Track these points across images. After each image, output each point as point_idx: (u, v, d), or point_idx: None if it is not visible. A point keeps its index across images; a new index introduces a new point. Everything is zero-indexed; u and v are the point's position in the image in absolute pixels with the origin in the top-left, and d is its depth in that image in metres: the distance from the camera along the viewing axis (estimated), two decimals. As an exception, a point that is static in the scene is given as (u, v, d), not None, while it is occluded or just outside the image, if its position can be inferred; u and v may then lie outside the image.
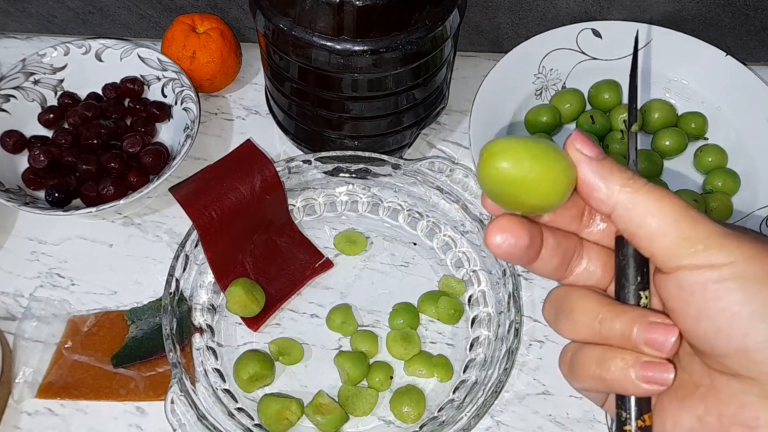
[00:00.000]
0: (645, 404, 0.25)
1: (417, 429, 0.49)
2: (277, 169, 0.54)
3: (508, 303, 0.50)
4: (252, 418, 0.50)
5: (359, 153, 0.56)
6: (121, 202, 0.56)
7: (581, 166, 0.25)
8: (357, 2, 0.46)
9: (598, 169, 0.25)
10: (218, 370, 0.52)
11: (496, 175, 0.24)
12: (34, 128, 0.63)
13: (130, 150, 0.61)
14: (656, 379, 0.24)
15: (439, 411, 0.50)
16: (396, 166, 0.56)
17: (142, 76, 0.65)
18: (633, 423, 0.25)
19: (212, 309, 0.55)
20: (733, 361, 0.23)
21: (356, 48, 0.49)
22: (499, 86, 0.63)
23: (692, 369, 0.26)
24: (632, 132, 0.28)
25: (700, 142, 0.63)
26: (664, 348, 0.24)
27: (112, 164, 0.60)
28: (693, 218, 0.24)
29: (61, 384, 0.52)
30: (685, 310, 0.24)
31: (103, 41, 0.65)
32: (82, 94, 0.65)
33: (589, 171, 0.25)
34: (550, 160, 0.25)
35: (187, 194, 0.52)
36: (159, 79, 0.65)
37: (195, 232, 0.52)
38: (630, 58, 0.66)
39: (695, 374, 0.25)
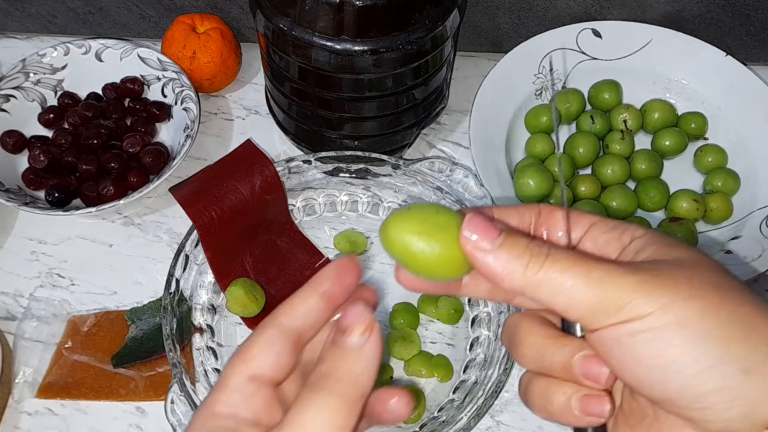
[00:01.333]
0: (601, 428, 0.26)
1: (417, 429, 0.49)
2: (277, 169, 0.54)
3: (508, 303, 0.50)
4: (252, 418, 0.50)
5: (359, 153, 0.56)
6: (121, 202, 0.56)
7: (475, 262, 0.25)
8: (357, 2, 0.46)
9: (494, 262, 0.24)
10: (218, 370, 0.51)
11: (395, 249, 0.25)
12: (34, 128, 0.63)
13: (130, 150, 0.61)
14: (594, 411, 0.25)
15: (439, 411, 0.50)
16: (396, 166, 0.56)
17: (142, 76, 0.65)
18: None
19: (212, 309, 0.55)
20: (661, 404, 0.24)
21: (356, 48, 0.49)
22: (499, 86, 0.63)
23: (639, 398, 0.26)
24: (564, 189, 0.28)
25: (700, 142, 0.63)
26: (599, 380, 0.24)
27: (112, 164, 0.60)
28: (600, 280, 0.23)
29: (61, 384, 0.52)
30: (608, 362, 0.24)
31: (103, 41, 0.65)
32: (82, 94, 0.65)
33: (485, 266, 0.25)
34: (448, 240, 0.25)
35: (187, 194, 0.52)
36: (159, 79, 0.65)
37: (195, 232, 0.52)
38: (629, 59, 0.66)
39: (641, 403, 0.26)
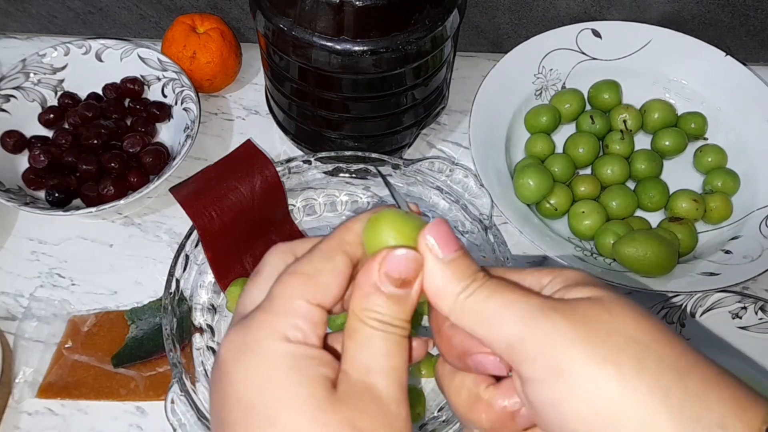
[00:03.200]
0: None
1: (417, 429, 0.49)
2: (277, 169, 0.54)
3: (508, 303, 0.50)
4: (252, 418, 0.50)
5: (359, 153, 0.56)
6: (122, 202, 0.56)
7: (426, 267, 0.25)
8: (357, 2, 0.46)
9: (439, 274, 0.25)
10: (218, 370, 0.51)
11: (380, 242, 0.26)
12: (34, 128, 0.63)
13: (131, 150, 0.61)
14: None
15: (438, 411, 0.50)
16: (396, 166, 0.56)
17: (142, 76, 0.65)
18: None
19: (212, 309, 0.55)
20: None
21: (356, 48, 0.49)
22: (499, 86, 0.63)
23: None
24: None
25: (700, 142, 0.63)
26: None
27: (112, 164, 0.60)
28: (520, 317, 0.23)
29: (62, 384, 0.52)
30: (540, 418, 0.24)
31: (103, 41, 0.65)
32: (83, 94, 0.65)
33: (430, 274, 0.25)
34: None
35: (187, 194, 0.52)
36: (159, 79, 0.65)
37: (195, 232, 0.52)
38: (629, 59, 0.66)
39: None
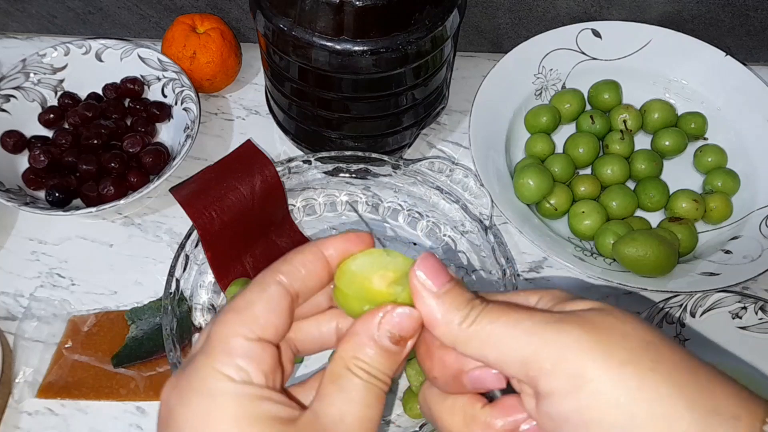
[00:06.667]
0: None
1: (417, 429, 0.49)
2: (277, 169, 0.54)
3: (508, 303, 0.50)
4: (252, 418, 0.50)
5: (359, 153, 0.56)
6: (122, 202, 0.56)
7: (418, 300, 0.25)
8: (357, 2, 0.46)
9: (437, 307, 0.25)
10: (218, 370, 0.51)
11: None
12: (34, 128, 0.63)
13: (131, 150, 0.61)
14: None
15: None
16: (396, 166, 0.56)
17: (142, 76, 0.65)
18: None
19: (212, 309, 0.55)
20: None
21: (356, 48, 0.49)
22: (499, 86, 0.63)
23: None
24: None
25: (700, 142, 0.63)
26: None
27: (113, 164, 0.60)
28: (529, 331, 0.23)
29: (62, 384, 0.52)
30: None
31: (103, 41, 0.65)
32: (83, 94, 0.65)
33: (426, 307, 0.25)
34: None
35: (187, 194, 0.52)
36: (159, 79, 0.65)
37: (195, 232, 0.52)
38: (629, 59, 0.66)
39: None
